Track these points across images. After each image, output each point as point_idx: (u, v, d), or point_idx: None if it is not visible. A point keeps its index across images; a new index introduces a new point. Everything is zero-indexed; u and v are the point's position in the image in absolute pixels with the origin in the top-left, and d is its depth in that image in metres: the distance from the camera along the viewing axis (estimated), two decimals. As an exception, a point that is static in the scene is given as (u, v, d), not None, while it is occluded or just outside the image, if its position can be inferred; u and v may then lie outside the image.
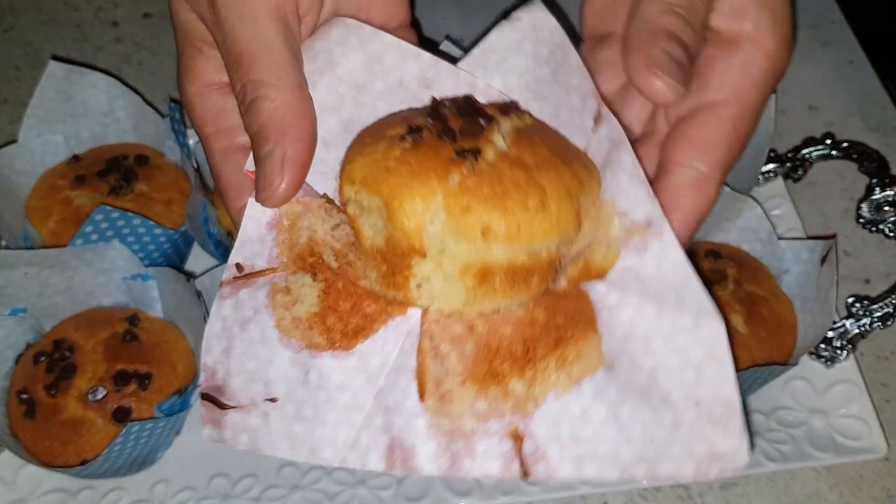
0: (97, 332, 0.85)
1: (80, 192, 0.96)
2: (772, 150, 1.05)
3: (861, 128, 1.13)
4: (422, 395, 0.52)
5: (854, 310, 0.93)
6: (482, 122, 0.55)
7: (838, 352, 0.91)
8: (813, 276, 0.88)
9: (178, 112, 0.99)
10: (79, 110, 1.02)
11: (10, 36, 1.30)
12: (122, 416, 0.81)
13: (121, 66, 1.24)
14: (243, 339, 0.56)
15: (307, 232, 0.58)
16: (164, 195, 0.97)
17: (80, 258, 0.87)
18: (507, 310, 0.55)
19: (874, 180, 1.03)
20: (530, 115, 0.59)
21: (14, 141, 1.00)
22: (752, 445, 0.83)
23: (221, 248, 0.95)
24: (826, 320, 0.85)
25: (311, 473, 0.86)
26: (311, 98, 0.58)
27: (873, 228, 1.02)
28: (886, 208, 1.01)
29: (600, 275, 0.55)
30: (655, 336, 0.53)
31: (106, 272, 0.89)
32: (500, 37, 0.59)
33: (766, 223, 0.91)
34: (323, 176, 0.60)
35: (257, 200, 0.57)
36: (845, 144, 1.06)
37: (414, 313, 0.55)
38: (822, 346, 0.91)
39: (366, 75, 0.60)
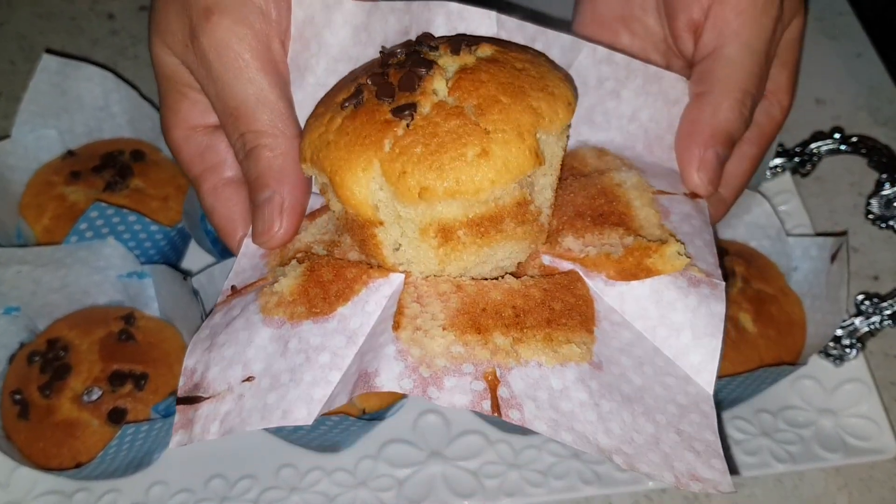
0: (92, 331, 0.84)
1: (74, 188, 0.94)
2: (779, 145, 1.04)
3: (869, 122, 1.11)
4: (396, 327, 0.51)
5: (864, 307, 0.92)
6: (422, 71, 0.53)
7: (847, 350, 0.89)
8: (822, 274, 0.86)
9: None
10: (73, 105, 1.00)
11: (5, 29, 1.28)
12: (117, 417, 0.79)
13: (117, 60, 1.22)
14: (227, 332, 0.55)
15: (295, 246, 0.60)
16: (160, 191, 0.95)
17: (74, 256, 0.86)
18: (500, 281, 0.55)
19: (884, 175, 1.01)
20: (492, 43, 0.57)
21: (7, 136, 0.98)
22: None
23: (219, 246, 0.93)
24: (836, 319, 0.84)
25: (310, 475, 0.85)
26: None
27: (883, 224, 1.00)
28: (895, 205, 0.99)
29: (648, 274, 0.56)
30: (648, 364, 0.55)
31: (101, 270, 0.88)
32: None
33: (775, 219, 0.89)
34: None
35: (256, 242, 0.60)
36: (854, 139, 1.04)
37: (397, 277, 0.55)
38: (831, 344, 0.89)
39: (357, 47, 0.61)
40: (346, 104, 0.54)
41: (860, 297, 0.92)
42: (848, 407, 0.87)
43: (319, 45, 0.60)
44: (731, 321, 0.83)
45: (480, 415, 0.87)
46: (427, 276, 0.55)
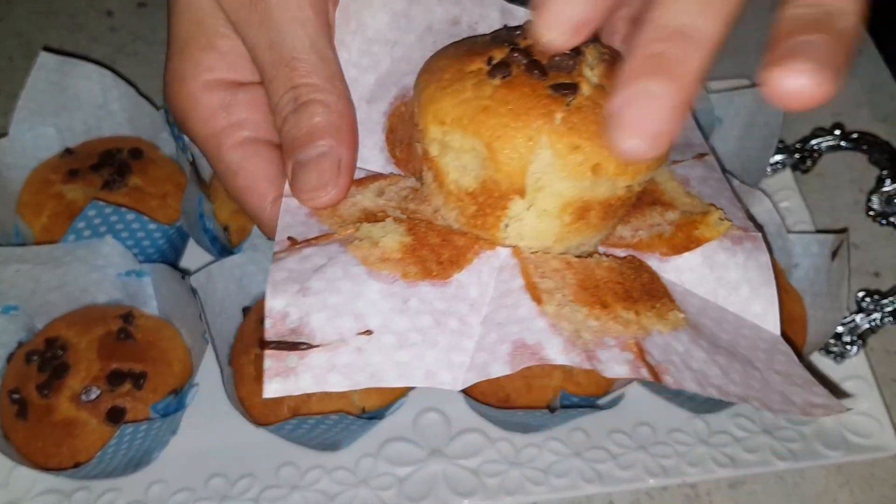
0: (91, 330, 0.84)
1: (72, 186, 0.94)
2: (780, 141, 1.03)
3: (870, 118, 1.11)
4: (538, 301, 0.50)
5: (864, 304, 0.91)
6: (575, 54, 0.52)
7: (848, 347, 0.89)
8: (823, 271, 0.86)
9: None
10: (71, 102, 0.99)
11: (3, 26, 1.27)
12: (116, 416, 0.79)
13: (116, 57, 1.22)
14: (320, 279, 0.50)
15: (355, 208, 0.56)
16: (158, 189, 0.95)
17: (73, 254, 0.85)
18: (598, 259, 0.55)
19: (884, 172, 1.01)
20: (600, 41, 0.57)
21: (5, 134, 0.97)
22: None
23: (218, 245, 0.93)
24: (837, 316, 0.83)
25: (310, 473, 0.84)
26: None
27: (884, 221, 1.00)
28: (897, 201, 0.99)
29: (698, 243, 0.58)
30: (724, 322, 0.58)
31: (100, 268, 0.88)
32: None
33: (776, 216, 0.89)
34: (369, 131, 0.59)
35: (302, 199, 0.55)
36: (855, 135, 1.04)
37: (503, 251, 0.54)
38: (832, 341, 0.89)
39: (395, 32, 0.60)
40: (494, 74, 0.52)
41: (861, 294, 0.92)
42: (849, 404, 0.87)
43: (357, 24, 0.59)
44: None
45: (480, 413, 0.86)
46: (535, 252, 0.54)
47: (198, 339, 0.86)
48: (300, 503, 0.82)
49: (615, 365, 0.48)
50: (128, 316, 0.86)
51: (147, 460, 0.84)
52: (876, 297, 0.92)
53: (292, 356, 0.47)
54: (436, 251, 0.52)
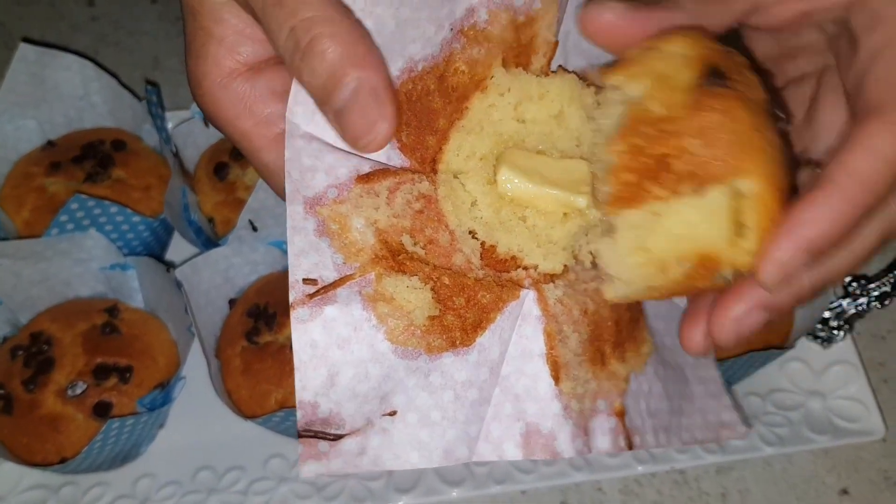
0: (75, 324, 0.83)
1: (54, 179, 0.93)
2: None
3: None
4: (556, 379, 0.52)
5: (851, 289, 0.91)
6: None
7: (835, 332, 0.89)
8: (810, 256, 0.86)
9: (156, 95, 0.96)
10: (52, 94, 0.98)
11: (-18, 16, 1.26)
12: (102, 411, 0.78)
13: (98, 47, 1.20)
14: (349, 363, 0.51)
15: (370, 228, 0.53)
16: (142, 181, 0.94)
17: (55, 248, 0.85)
18: (601, 296, 0.53)
19: (871, 156, 1.01)
20: None
21: (-15, 127, 0.96)
22: (750, 425, 0.84)
23: (203, 236, 0.92)
24: (823, 301, 0.84)
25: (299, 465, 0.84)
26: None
27: (870, 205, 1.00)
28: (884, 184, 0.99)
29: None
30: (671, 319, 0.59)
31: (83, 262, 0.87)
32: None
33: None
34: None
35: (361, 148, 0.51)
36: (841, 119, 1.03)
37: (526, 295, 0.53)
38: (819, 326, 0.89)
39: None
40: (711, 80, 0.48)
41: (848, 279, 0.92)
42: (836, 389, 0.87)
43: None
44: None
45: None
46: (558, 300, 0.53)
47: (184, 332, 0.86)
48: (289, 495, 0.82)
49: (601, 438, 0.52)
50: (113, 309, 0.85)
51: (135, 454, 0.84)
52: (863, 281, 0.92)
53: (324, 444, 0.50)
54: (461, 316, 0.52)
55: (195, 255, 0.85)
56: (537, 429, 0.51)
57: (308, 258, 0.51)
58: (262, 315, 0.83)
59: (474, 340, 0.52)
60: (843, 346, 0.89)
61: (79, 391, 0.79)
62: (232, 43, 0.53)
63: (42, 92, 0.98)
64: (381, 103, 0.49)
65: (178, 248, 0.98)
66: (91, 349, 0.81)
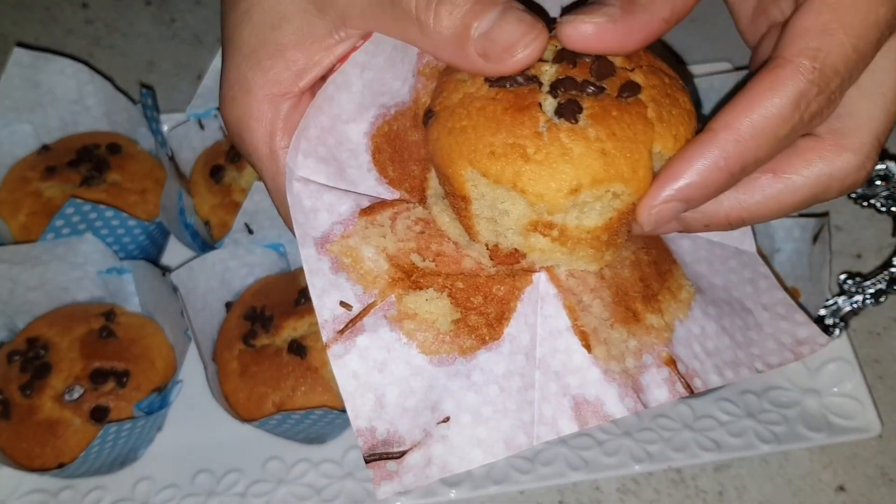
0: (72, 328, 0.83)
1: (50, 183, 0.93)
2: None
3: (851, 99, 1.11)
4: (588, 348, 0.53)
5: (846, 287, 0.92)
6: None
7: (831, 330, 0.89)
8: (805, 255, 0.86)
9: (151, 98, 0.96)
10: (46, 98, 0.98)
11: (-24, 20, 1.26)
12: (99, 415, 0.79)
13: (92, 50, 1.20)
14: (392, 383, 0.53)
15: (381, 256, 0.55)
16: (138, 185, 0.94)
17: (52, 253, 0.85)
18: (619, 256, 0.56)
19: (865, 153, 1.01)
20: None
21: (-20, 132, 0.96)
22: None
23: (199, 240, 0.92)
24: (819, 299, 0.84)
25: (297, 467, 0.84)
26: None
27: (864, 203, 1.00)
28: (878, 182, 0.99)
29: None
30: (714, 260, 0.61)
31: (80, 266, 0.87)
32: None
33: (757, 201, 0.89)
34: (352, 153, 0.56)
35: (510, 57, 0.49)
36: (836, 117, 1.03)
37: (539, 277, 0.55)
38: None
39: (362, 56, 0.55)
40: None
41: (843, 277, 0.92)
42: (832, 386, 0.87)
43: None
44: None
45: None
46: (571, 271, 0.55)
47: (181, 336, 0.86)
48: (287, 497, 0.82)
49: (657, 391, 0.53)
50: (109, 314, 0.85)
51: (133, 458, 0.84)
52: (858, 279, 0.92)
53: (391, 463, 0.52)
54: (483, 313, 0.54)
55: (191, 259, 0.85)
56: (584, 399, 0.53)
57: (330, 297, 0.54)
58: (259, 318, 0.84)
59: (502, 332, 0.54)
60: (839, 344, 0.89)
61: (76, 396, 0.79)
62: (297, 72, 0.53)
63: (37, 96, 0.98)
64: (532, 20, 0.48)
65: (175, 251, 0.98)
66: (88, 354, 0.81)
